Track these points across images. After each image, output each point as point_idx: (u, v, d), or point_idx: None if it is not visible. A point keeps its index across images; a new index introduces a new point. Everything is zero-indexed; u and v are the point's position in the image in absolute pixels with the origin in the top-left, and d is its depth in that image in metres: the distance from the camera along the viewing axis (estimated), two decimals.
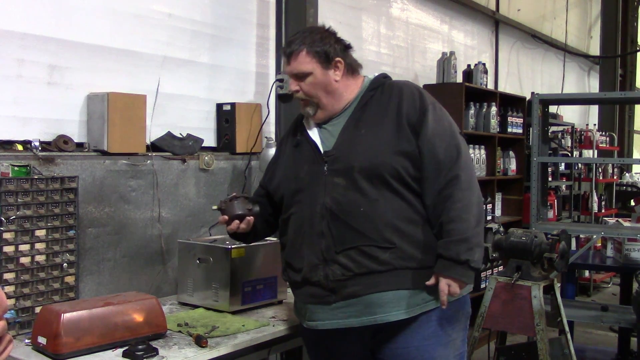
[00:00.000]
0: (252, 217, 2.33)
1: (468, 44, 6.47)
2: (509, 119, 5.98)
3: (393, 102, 2.23)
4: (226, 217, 2.32)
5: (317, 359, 2.45)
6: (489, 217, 5.46)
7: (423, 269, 2.15)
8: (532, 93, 4.77)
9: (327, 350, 2.36)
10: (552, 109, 7.07)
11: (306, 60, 2.22)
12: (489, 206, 5.52)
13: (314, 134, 2.30)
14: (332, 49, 2.24)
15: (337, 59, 2.25)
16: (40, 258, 2.57)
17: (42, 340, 2.23)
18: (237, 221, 2.32)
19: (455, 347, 2.27)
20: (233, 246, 2.81)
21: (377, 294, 2.14)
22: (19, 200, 2.51)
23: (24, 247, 2.53)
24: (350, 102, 2.29)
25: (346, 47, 2.31)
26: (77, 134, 2.95)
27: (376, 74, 2.37)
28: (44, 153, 2.74)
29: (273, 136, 3.82)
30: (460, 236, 2.10)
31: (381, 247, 2.12)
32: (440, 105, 2.28)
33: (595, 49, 9.92)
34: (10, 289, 2.46)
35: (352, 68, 2.31)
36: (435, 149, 2.16)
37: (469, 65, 5.78)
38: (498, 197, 5.91)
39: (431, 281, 2.14)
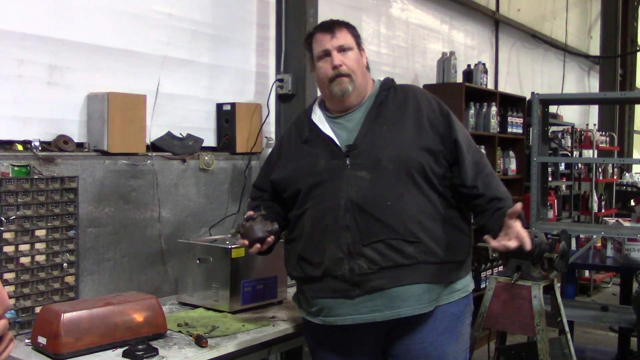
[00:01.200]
0: (272, 236, 2.31)
1: (468, 44, 6.47)
2: (509, 119, 5.98)
3: (410, 103, 2.28)
4: (246, 241, 2.28)
5: (324, 357, 2.40)
6: None
7: (442, 264, 2.19)
8: (532, 93, 4.77)
9: (337, 347, 2.32)
10: (552, 109, 7.07)
11: (348, 36, 2.32)
12: None
13: (326, 128, 2.29)
14: (361, 38, 2.39)
15: (363, 48, 2.38)
16: (40, 258, 2.57)
17: (42, 340, 2.23)
18: (258, 245, 2.29)
19: (463, 342, 2.33)
20: (233, 246, 2.81)
21: (401, 287, 2.15)
22: (19, 200, 2.51)
23: (24, 247, 2.53)
24: (365, 99, 2.33)
25: None
26: (77, 134, 2.96)
27: (381, 79, 2.43)
28: (44, 153, 2.74)
29: (273, 136, 3.82)
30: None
31: (407, 240, 2.13)
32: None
33: (595, 49, 9.92)
34: (10, 289, 2.46)
35: (367, 65, 2.41)
36: (466, 148, 2.25)
37: (469, 65, 5.78)
38: None
39: (516, 207, 2.06)
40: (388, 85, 2.36)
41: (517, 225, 2.07)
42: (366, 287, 2.15)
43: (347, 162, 2.20)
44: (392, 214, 2.14)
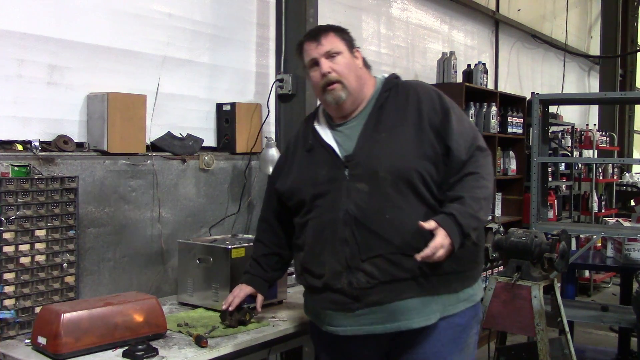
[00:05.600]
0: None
1: (468, 44, 6.47)
2: (509, 119, 5.98)
3: (412, 104, 2.20)
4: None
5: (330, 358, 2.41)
6: (489, 217, 5.46)
7: (445, 275, 2.13)
8: (532, 93, 4.77)
9: (343, 353, 2.32)
10: (552, 109, 7.07)
11: (336, 40, 2.24)
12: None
13: (328, 137, 2.25)
14: (353, 39, 2.31)
15: (357, 48, 2.30)
16: (40, 258, 2.57)
17: (42, 340, 2.23)
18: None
19: (469, 352, 2.29)
20: (233, 246, 2.81)
21: (402, 301, 2.11)
22: (19, 200, 2.50)
23: (24, 247, 2.52)
24: (366, 102, 2.26)
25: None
26: (77, 134, 2.95)
27: (385, 75, 2.35)
28: (44, 153, 2.74)
29: (273, 136, 3.82)
30: (475, 214, 2.08)
31: (407, 254, 2.07)
32: (457, 105, 2.27)
33: (595, 49, 9.92)
34: (10, 289, 2.46)
35: (366, 63, 2.33)
36: (460, 149, 2.14)
37: (469, 65, 5.78)
38: (498, 197, 5.92)
39: (429, 225, 2.01)
40: (390, 84, 2.29)
41: (437, 236, 2.00)
42: (366, 301, 2.13)
43: (346, 173, 2.16)
44: (390, 228, 2.09)
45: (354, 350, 2.29)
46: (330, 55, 2.21)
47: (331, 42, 2.23)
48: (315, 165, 2.25)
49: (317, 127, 2.31)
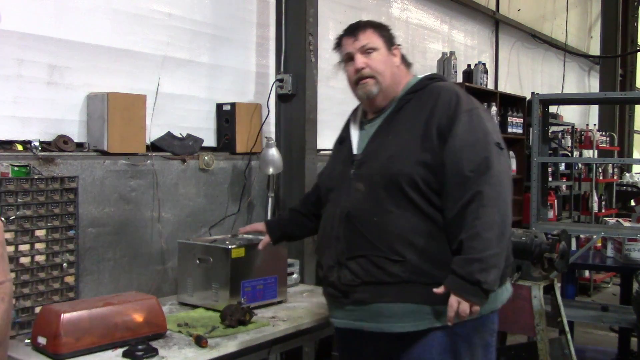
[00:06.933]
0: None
1: (468, 44, 6.47)
2: (509, 119, 5.98)
3: (426, 108, 2.15)
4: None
5: (340, 352, 2.45)
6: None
7: (436, 285, 2.04)
8: (532, 93, 4.77)
9: (350, 348, 2.35)
10: (552, 109, 7.07)
11: (373, 36, 2.24)
12: None
13: (354, 133, 2.31)
14: (392, 36, 2.31)
15: (397, 45, 2.30)
16: (40, 258, 2.57)
17: (42, 340, 2.23)
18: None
19: None
20: (233, 246, 2.81)
21: (384, 304, 2.11)
22: (18, 200, 2.50)
23: (24, 247, 2.52)
24: (392, 102, 2.24)
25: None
26: (77, 134, 2.95)
27: (426, 74, 2.32)
28: (44, 153, 2.74)
29: (273, 136, 3.82)
30: (476, 255, 1.98)
31: (390, 259, 2.08)
32: (480, 112, 2.15)
33: (595, 49, 9.92)
34: None
35: (405, 62, 2.33)
36: (461, 163, 2.04)
37: (469, 65, 5.78)
38: None
39: (440, 289, 2.02)
40: (419, 85, 2.24)
41: (450, 299, 2.01)
42: (352, 298, 2.16)
43: (352, 171, 2.21)
44: (376, 231, 2.10)
45: (357, 347, 2.30)
46: (365, 51, 2.23)
47: (368, 38, 2.23)
48: (337, 159, 2.35)
49: (351, 122, 2.37)
